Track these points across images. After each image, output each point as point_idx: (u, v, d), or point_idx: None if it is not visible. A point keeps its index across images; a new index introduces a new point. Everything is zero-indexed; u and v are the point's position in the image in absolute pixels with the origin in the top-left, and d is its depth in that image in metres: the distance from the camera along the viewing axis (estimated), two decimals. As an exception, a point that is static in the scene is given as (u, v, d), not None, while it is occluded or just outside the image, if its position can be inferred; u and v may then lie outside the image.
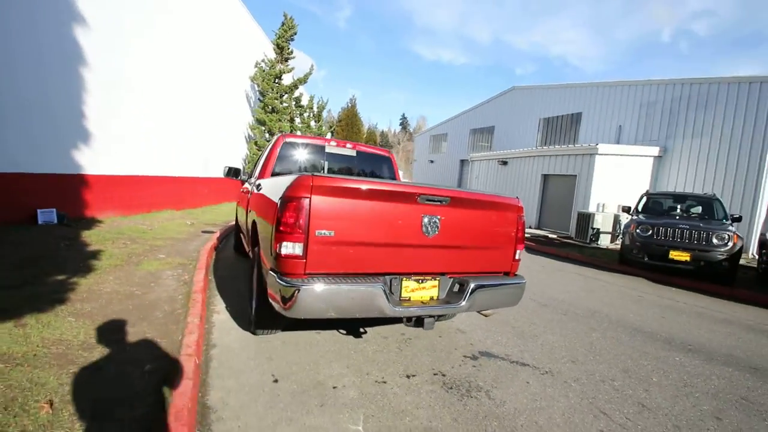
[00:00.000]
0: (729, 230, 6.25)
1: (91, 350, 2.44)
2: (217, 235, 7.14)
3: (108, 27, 7.41)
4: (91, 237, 5.75)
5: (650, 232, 6.70)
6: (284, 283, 2.19)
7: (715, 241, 6.22)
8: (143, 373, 2.24)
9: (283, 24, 13.89)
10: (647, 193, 8.17)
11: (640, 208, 7.83)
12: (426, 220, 2.50)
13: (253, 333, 3.07)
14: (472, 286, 2.62)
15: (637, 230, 6.85)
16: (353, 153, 4.56)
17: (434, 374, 2.72)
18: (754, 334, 4.31)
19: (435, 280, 2.63)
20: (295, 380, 2.46)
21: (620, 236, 8.28)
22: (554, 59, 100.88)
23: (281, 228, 2.20)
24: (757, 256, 9.23)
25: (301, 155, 4.32)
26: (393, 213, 2.42)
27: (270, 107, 13.70)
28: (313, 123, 15.53)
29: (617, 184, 13.66)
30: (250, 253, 3.80)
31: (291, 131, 14.39)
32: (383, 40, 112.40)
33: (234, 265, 5.25)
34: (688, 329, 4.30)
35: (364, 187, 2.30)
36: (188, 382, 2.08)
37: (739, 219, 6.92)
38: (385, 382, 2.55)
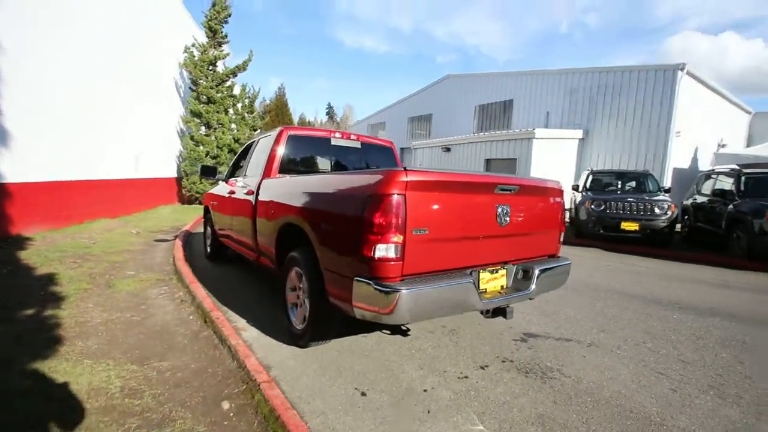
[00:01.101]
0: (668, 201, 7.21)
1: (141, 395, 2.03)
2: (178, 243, 6.39)
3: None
4: (31, 258, 4.76)
5: (603, 206, 7.46)
6: (384, 289, 2.01)
7: (657, 211, 7.13)
8: (227, 414, 1.92)
9: (214, 5, 12.63)
10: (592, 171, 9.06)
11: (588, 185, 8.66)
12: (500, 210, 2.47)
13: (303, 346, 2.80)
14: (537, 271, 2.67)
15: (592, 206, 7.58)
16: (358, 145, 4.34)
17: (503, 362, 2.74)
18: (716, 288, 5.05)
19: (504, 268, 2.63)
20: (382, 390, 2.30)
21: (573, 212, 9.07)
22: (469, 48, 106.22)
23: (375, 229, 2.01)
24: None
25: (307, 150, 3.99)
26: (475, 205, 2.36)
27: (205, 97, 12.49)
28: (247, 114, 14.50)
29: (551, 165, 14.93)
30: (266, 261, 3.45)
31: (229, 124, 13.32)
32: (304, 25, 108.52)
33: (221, 276, 4.74)
34: (665, 290, 4.88)
35: (454, 180, 2.21)
36: (292, 413, 1.83)
37: (668, 190, 8.02)
38: (467, 377, 2.50)
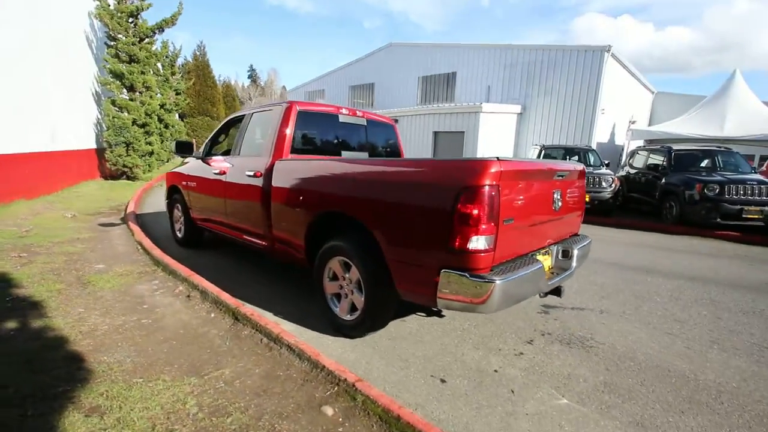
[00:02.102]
0: (612, 174, 8.08)
1: (227, 412, 1.80)
2: (135, 228, 5.64)
3: None
4: (-44, 255, 3.86)
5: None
6: (479, 280, 2.00)
7: (603, 184, 7.96)
8: (336, 420, 1.80)
9: (131, -56, 10.67)
10: (543, 147, 9.72)
11: (541, 159, 9.30)
12: (555, 195, 2.58)
13: (354, 337, 2.71)
14: (576, 250, 2.86)
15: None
16: (364, 122, 4.12)
17: (542, 335, 2.94)
18: (663, 251, 5.86)
19: (549, 250, 2.77)
20: (458, 375, 2.34)
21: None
22: (397, 15, 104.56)
23: (470, 222, 1.96)
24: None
25: (315, 127, 3.69)
26: (542, 191, 2.42)
27: (126, 55, 10.76)
28: (170, 76, 12.90)
29: (495, 139, 15.73)
30: (284, 250, 3.21)
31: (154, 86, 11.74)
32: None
33: (209, 264, 4.30)
34: (628, 255, 5.54)
35: (534, 168, 2.23)
36: (407, 411, 1.79)
37: (608, 165, 8.97)
38: (522, 353, 2.64)
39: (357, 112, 4.05)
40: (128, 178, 11.45)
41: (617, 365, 2.54)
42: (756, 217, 6.30)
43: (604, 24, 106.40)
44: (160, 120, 11.99)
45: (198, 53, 31.82)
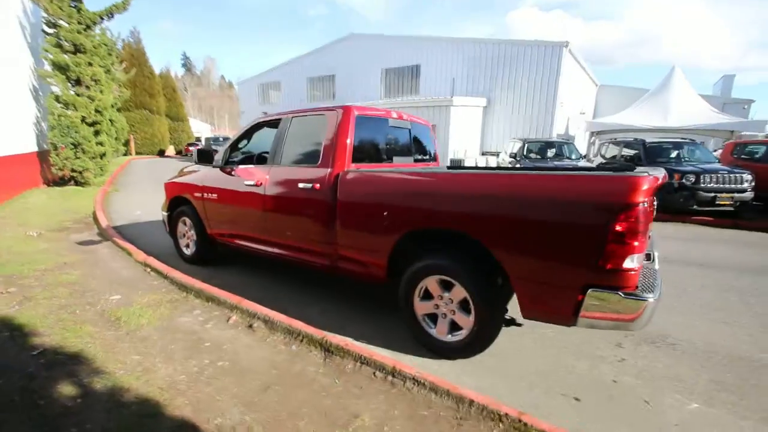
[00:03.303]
0: (593, 167, 8.54)
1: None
2: (128, 245, 4.99)
3: None
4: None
5: (547, 173, 8.45)
6: (632, 298, 1.96)
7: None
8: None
9: None
10: (525, 140, 10.04)
11: (525, 153, 9.62)
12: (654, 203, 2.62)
13: (455, 358, 2.57)
14: (656, 252, 2.93)
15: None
16: (409, 125, 3.92)
17: (625, 336, 3.00)
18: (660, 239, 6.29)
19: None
20: (584, 390, 2.30)
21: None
22: (341, 4, 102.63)
23: (627, 240, 1.90)
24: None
25: (370, 132, 3.42)
26: (652, 202, 2.43)
27: (71, 44, 9.43)
28: (113, 68, 11.59)
29: (464, 132, 16.05)
30: (352, 269, 2.97)
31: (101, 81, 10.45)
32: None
33: (244, 283, 3.90)
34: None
35: (663, 180, 2.22)
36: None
37: (585, 156, 9.48)
38: (624, 359, 2.67)
39: (403, 115, 3.85)
40: (77, 183, 10.16)
41: (708, 360, 2.66)
42: (727, 203, 7.00)
43: (538, 18, 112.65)
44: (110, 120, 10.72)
45: (132, 40, 28.97)
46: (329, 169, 3.07)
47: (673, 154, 8.34)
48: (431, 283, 2.60)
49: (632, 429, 1.99)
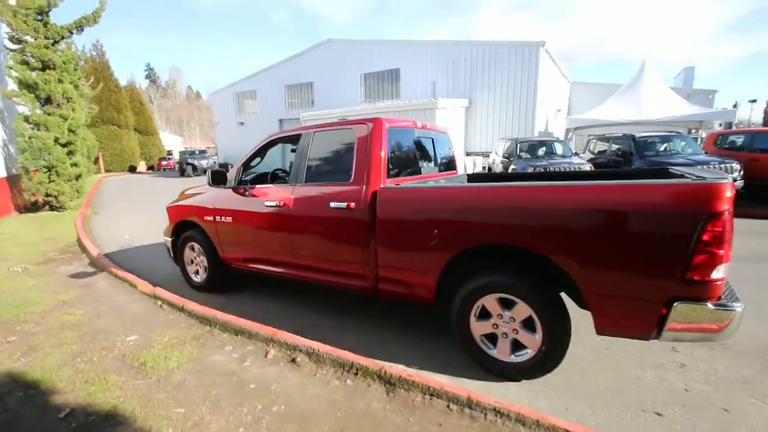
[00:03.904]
0: (587, 163, 8.68)
1: None
2: (127, 275, 4.64)
3: None
4: None
5: (542, 171, 8.52)
6: (721, 308, 1.89)
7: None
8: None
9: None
10: (516, 140, 10.12)
11: (518, 153, 9.68)
12: None
13: (520, 379, 2.46)
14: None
15: (534, 171, 8.56)
16: (432, 135, 3.80)
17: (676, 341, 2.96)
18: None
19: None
20: (662, 403, 2.22)
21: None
22: (306, 8, 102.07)
23: (714, 250, 1.84)
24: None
25: (399, 144, 3.27)
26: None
27: (39, 61, 8.84)
28: (81, 84, 11.01)
29: (449, 133, 16.10)
30: (396, 290, 2.81)
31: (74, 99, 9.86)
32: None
33: (258, 311, 3.66)
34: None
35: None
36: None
37: (577, 154, 9.64)
38: (685, 365, 2.62)
39: (426, 125, 3.73)
40: (52, 208, 9.54)
41: (765, 358, 2.65)
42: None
43: (497, 21, 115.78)
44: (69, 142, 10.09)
45: (95, 53, 27.78)
46: (364, 187, 2.90)
47: (662, 148, 8.58)
48: (490, 301, 2.48)
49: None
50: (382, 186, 2.87)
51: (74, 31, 9.34)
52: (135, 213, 9.82)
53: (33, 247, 6.32)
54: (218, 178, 3.70)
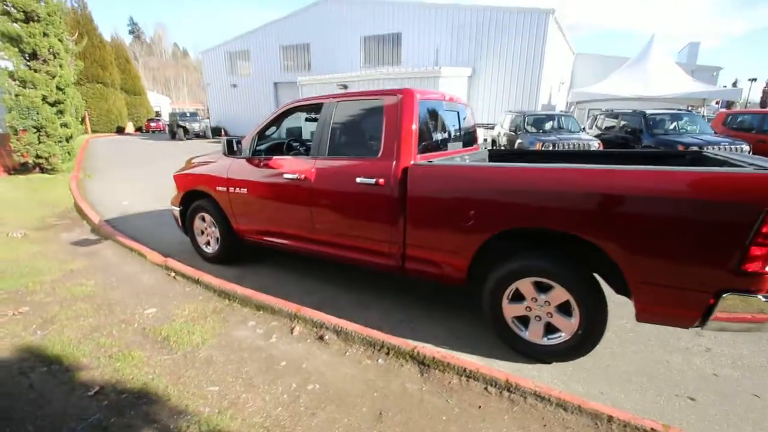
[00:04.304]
0: (596, 139, 8.56)
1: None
2: (135, 245, 4.52)
3: None
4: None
5: (550, 147, 8.39)
6: (769, 299, 1.88)
7: (592, 148, 8.41)
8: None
9: None
10: (524, 113, 9.90)
11: (526, 127, 9.49)
12: None
13: (550, 362, 2.47)
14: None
15: (542, 147, 8.44)
16: (458, 108, 3.64)
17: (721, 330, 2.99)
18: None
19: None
20: (693, 388, 2.25)
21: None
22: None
23: (773, 241, 1.79)
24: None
25: (429, 117, 3.11)
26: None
27: (21, 12, 8.21)
28: (66, 38, 10.35)
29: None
30: (424, 270, 2.75)
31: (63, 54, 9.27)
32: None
33: (272, 283, 3.60)
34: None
35: None
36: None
37: (584, 129, 9.48)
38: (710, 349, 2.66)
39: (453, 97, 3.55)
40: (43, 170, 9.20)
41: (789, 346, 2.70)
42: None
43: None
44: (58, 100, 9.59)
45: (76, 5, 26.06)
46: (393, 162, 2.77)
47: (671, 126, 8.48)
48: (525, 285, 2.43)
49: (758, 428, 1.96)
50: (413, 162, 2.75)
51: (58, -22, 8.63)
52: (130, 177, 9.53)
53: (29, 212, 6.10)
54: (235, 147, 3.52)
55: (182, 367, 2.37)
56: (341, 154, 3.11)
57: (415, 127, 2.82)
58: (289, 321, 2.89)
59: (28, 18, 8.31)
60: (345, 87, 16.52)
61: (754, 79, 34.18)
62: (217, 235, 4.05)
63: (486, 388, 2.16)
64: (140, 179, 9.18)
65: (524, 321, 2.53)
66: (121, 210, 6.29)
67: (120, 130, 28.34)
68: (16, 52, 8.20)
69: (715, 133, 8.35)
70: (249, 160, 3.63)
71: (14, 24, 8.12)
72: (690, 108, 13.89)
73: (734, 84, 40.86)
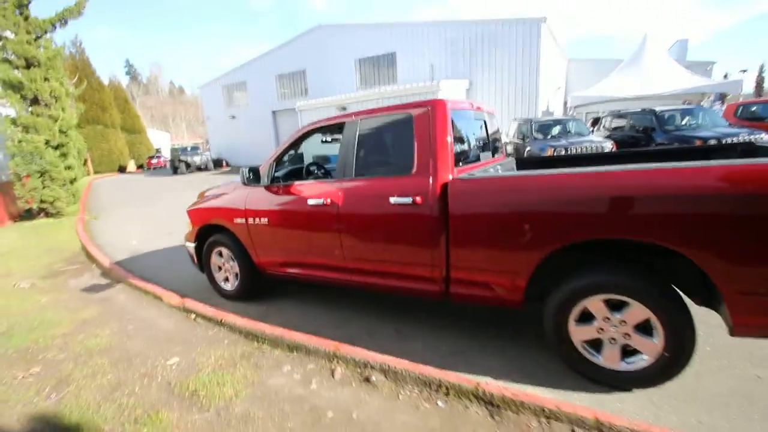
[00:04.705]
0: (609, 141, 8.38)
1: None
2: (149, 287, 4.28)
3: None
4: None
5: (563, 152, 8.21)
6: None
7: (605, 149, 8.23)
8: None
9: None
10: (531, 120, 9.77)
11: (533, 134, 9.35)
12: None
13: (631, 389, 2.18)
14: None
15: (554, 153, 8.26)
16: (485, 116, 3.45)
17: None
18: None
19: None
20: None
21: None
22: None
23: None
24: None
25: (459, 127, 2.91)
26: None
27: (22, 59, 8.23)
28: (66, 82, 10.40)
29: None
30: (474, 293, 2.49)
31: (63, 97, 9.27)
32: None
33: (301, 319, 3.33)
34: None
35: None
36: None
37: (592, 131, 9.33)
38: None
39: (482, 106, 3.37)
40: (48, 215, 9.04)
41: None
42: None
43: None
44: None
45: (74, 51, 26.63)
46: (430, 178, 2.55)
47: (684, 122, 8.31)
48: (594, 303, 2.17)
49: None
50: (452, 177, 2.53)
51: (58, 24, 8.69)
52: (136, 215, 9.35)
53: (36, 260, 5.88)
54: (255, 175, 3.32)
55: (217, 428, 2.09)
56: (370, 174, 2.90)
57: (450, 139, 2.61)
58: (327, 362, 2.62)
59: (29, 64, 8.33)
60: (344, 109, 16.55)
61: (744, 71, 34.43)
62: (236, 270, 3.81)
63: (573, 431, 1.87)
64: (147, 216, 9.00)
65: (595, 344, 2.26)
66: (130, 250, 6.06)
67: (122, 169, 28.50)
68: (18, 99, 8.18)
69: (730, 124, 8.16)
70: (268, 188, 3.43)
71: (15, 71, 8.12)
72: (688, 103, 13.81)
73: (725, 77, 41.10)
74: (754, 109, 8.63)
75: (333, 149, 5.14)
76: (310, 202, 3.08)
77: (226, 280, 3.98)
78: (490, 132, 3.53)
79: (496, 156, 3.66)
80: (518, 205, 2.26)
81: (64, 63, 12.45)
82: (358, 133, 2.98)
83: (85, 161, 23.94)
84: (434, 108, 2.66)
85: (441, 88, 14.36)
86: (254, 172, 3.32)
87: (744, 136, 6.98)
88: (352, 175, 2.95)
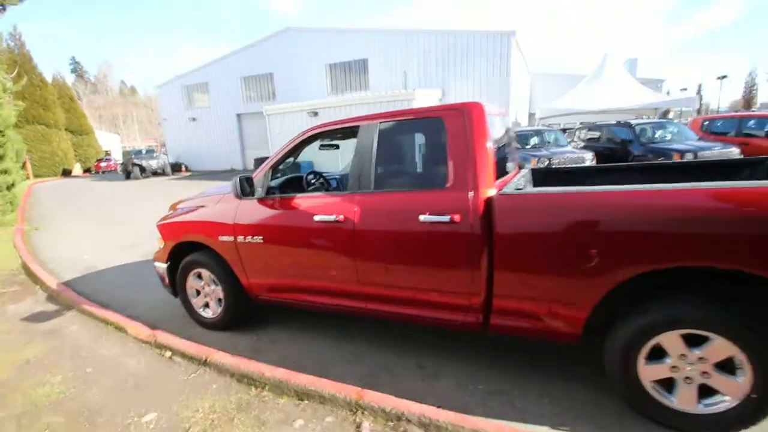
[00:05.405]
0: (589, 152, 8.50)
1: None
2: (111, 316, 3.61)
3: None
4: None
5: (547, 162, 8.22)
6: None
7: (586, 160, 8.32)
8: None
9: None
10: (512, 130, 9.74)
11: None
12: None
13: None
14: None
15: (538, 163, 8.24)
16: (509, 122, 3.16)
17: None
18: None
19: None
20: None
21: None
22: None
23: None
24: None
25: (494, 132, 2.59)
26: None
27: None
28: (3, 77, 9.30)
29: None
30: (518, 325, 2.17)
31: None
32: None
33: (296, 355, 2.86)
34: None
35: None
36: None
37: (571, 142, 9.48)
38: None
39: (502, 111, 3.08)
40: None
41: None
42: (720, 177, 7.30)
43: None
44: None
45: (12, 44, 24.24)
46: (470, 192, 2.20)
47: (657, 135, 8.60)
48: (671, 338, 1.89)
49: None
50: (497, 192, 2.19)
51: (-7, 8, 7.59)
52: (86, 225, 8.32)
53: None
54: (250, 187, 2.80)
55: None
56: (392, 186, 2.53)
57: (491, 147, 2.28)
58: (350, 413, 2.17)
59: (-44, 53, 7.18)
60: (316, 114, 16.01)
61: (684, 89, 37.53)
62: (220, 295, 3.25)
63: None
64: (99, 227, 8.03)
65: (667, 384, 1.98)
66: (82, 267, 5.24)
67: (66, 173, 26.13)
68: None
69: (699, 138, 8.54)
70: (262, 201, 2.93)
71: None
72: (645, 118, 14.60)
73: (667, 93, 44.77)
74: (719, 124, 9.12)
75: (327, 156, 4.70)
76: (318, 217, 2.63)
77: (206, 306, 3.40)
78: (511, 139, 3.26)
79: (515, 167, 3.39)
80: (587, 226, 1.95)
81: (1, 56, 11.20)
82: (376, 140, 2.57)
83: (24, 164, 21.65)
84: (472, 112, 2.33)
85: (417, 96, 14.23)
86: (251, 183, 2.81)
87: (717, 149, 7.27)
88: (370, 188, 2.54)
